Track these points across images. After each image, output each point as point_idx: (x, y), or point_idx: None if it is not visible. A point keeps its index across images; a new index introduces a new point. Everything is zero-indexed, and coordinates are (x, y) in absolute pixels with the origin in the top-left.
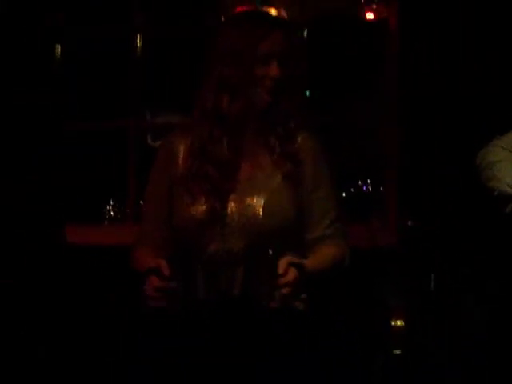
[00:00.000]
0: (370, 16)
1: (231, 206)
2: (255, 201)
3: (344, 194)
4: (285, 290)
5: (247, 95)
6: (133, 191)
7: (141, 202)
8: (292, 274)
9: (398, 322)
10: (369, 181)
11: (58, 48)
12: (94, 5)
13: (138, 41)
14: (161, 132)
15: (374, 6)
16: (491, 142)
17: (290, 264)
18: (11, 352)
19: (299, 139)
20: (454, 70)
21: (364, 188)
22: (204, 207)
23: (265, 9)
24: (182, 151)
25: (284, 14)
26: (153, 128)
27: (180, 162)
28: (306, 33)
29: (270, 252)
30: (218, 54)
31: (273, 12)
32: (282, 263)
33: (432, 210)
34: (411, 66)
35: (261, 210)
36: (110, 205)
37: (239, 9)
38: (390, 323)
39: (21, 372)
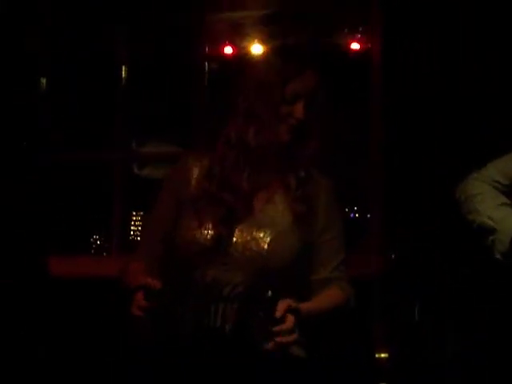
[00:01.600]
0: (355, 46)
1: (237, 236)
2: (262, 235)
3: None
4: (279, 339)
5: (272, 130)
6: (118, 222)
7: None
8: (289, 322)
9: (382, 355)
10: (355, 208)
11: (44, 80)
12: (78, 35)
13: (123, 72)
14: (147, 161)
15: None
16: (470, 176)
17: (289, 309)
18: None
19: (318, 185)
20: (438, 96)
21: (351, 215)
22: (210, 232)
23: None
24: (195, 173)
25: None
26: (139, 158)
27: (193, 183)
28: None
29: (269, 293)
30: (247, 87)
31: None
32: (281, 307)
33: (417, 242)
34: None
35: (266, 245)
36: (95, 236)
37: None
38: (374, 355)
39: None
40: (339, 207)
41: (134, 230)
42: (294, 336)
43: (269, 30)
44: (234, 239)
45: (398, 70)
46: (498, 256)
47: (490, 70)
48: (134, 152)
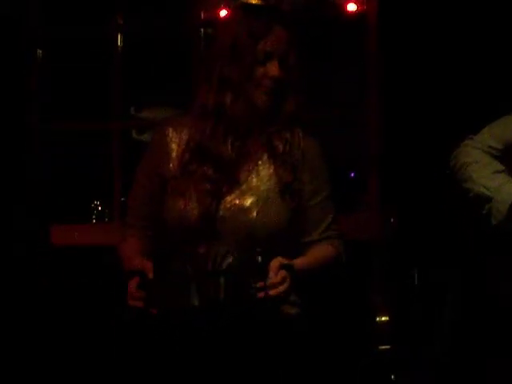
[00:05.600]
0: (351, 7)
1: (224, 209)
2: (249, 205)
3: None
4: (272, 292)
5: (249, 95)
6: (119, 189)
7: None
8: (280, 275)
9: (383, 318)
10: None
11: (40, 52)
12: (74, 5)
13: (119, 40)
14: (145, 126)
15: None
16: (463, 142)
17: (281, 266)
18: None
19: (304, 144)
20: (435, 59)
21: (351, 175)
22: (196, 208)
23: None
24: (175, 148)
25: (287, 5)
26: (137, 123)
27: (173, 158)
28: None
29: (259, 259)
30: (217, 51)
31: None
32: (273, 266)
33: (415, 205)
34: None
35: (254, 214)
36: (96, 204)
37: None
38: (375, 319)
39: None
40: (327, 166)
41: None
42: (286, 286)
43: None
44: (221, 212)
45: (395, 32)
46: (496, 223)
47: (489, 32)
48: (132, 117)
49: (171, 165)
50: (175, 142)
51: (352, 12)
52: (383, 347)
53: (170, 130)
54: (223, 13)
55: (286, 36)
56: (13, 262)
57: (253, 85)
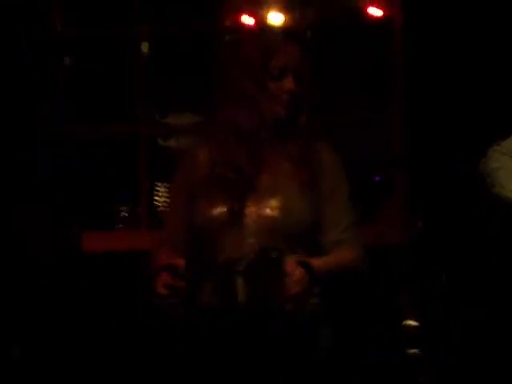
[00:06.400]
0: (377, 13)
1: (249, 208)
2: (272, 203)
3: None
4: (293, 291)
5: (262, 109)
6: (145, 194)
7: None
8: (299, 272)
9: (411, 322)
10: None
11: (67, 59)
12: (100, 11)
13: (145, 47)
14: (171, 133)
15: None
16: (491, 148)
17: (297, 262)
18: None
19: (318, 149)
20: (461, 65)
21: (376, 178)
22: (223, 209)
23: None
24: (202, 157)
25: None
26: (163, 129)
27: (201, 166)
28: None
29: (274, 255)
30: (233, 69)
31: (280, 18)
32: (289, 263)
33: (443, 209)
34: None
35: (278, 211)
36: (123, 210)
37: (244, 13)
38: (403, 323)
39: None
40: (343, 170)
41: (159, 201)
42: (308, 287)
43: None
44: (247, 211)
45: (418, 34)
46: None
47: None
48: (158, 124)
49: (199, 172)
50: (203, 151)
51: (376, 16)
52: (412, 351)
53: (198, 142)
54: (246, 19)
55: (299, 51)
56: (14, 263)
57: (269, 99)
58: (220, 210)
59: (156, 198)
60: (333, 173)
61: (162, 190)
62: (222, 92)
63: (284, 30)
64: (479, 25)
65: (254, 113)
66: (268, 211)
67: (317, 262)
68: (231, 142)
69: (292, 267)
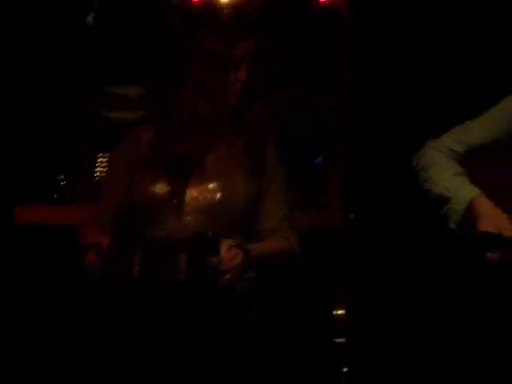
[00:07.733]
0: None
1: (191, 189)
2: (214, 187)
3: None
4: (228, 276)
5: (220, 98)
6: (87, 166)
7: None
8: (234, 252)
9: (340, 311)
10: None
11: None
12: None
13: (91, 19)
14: (116, 103)
15: None
16: (425, 144)
17: (233, 246)
18: None
19: (266, 140)
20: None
21: (318, 160)
22: (164, 187)
23: None
24: (147, 136)
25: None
26: (108, 99)
27: (144, 145)
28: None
29: (210, 234)
30: (193, 57)
31: None
32: (225, 243)
33: (376, 204)
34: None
35: (219, 194)
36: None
37: None
38: (332, 312)
39: None
40: (281, 162)
41: (101, 173)
42: (238, 267)
43: None
44: (188, 191)
45: (365, 20)
46: (453, 225)
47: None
48: (104, 94)
49: (141, 150)
50: (149, 131)
51: (324, 2)
52: (338, 340)
53: (141, 128)
54: None
55: (257, 41)
56: None
57: (226, 89)
58: (161, 186)
59: (98, 169)
60: (273, 165)
61: (106, 161)
62: (180, 76)
63: (247, 20)
64: (426, 12)
65: (213, 101)
66: (208, 194)
67: (251, 247)
68: (183, 125)
69: (227, 247)
